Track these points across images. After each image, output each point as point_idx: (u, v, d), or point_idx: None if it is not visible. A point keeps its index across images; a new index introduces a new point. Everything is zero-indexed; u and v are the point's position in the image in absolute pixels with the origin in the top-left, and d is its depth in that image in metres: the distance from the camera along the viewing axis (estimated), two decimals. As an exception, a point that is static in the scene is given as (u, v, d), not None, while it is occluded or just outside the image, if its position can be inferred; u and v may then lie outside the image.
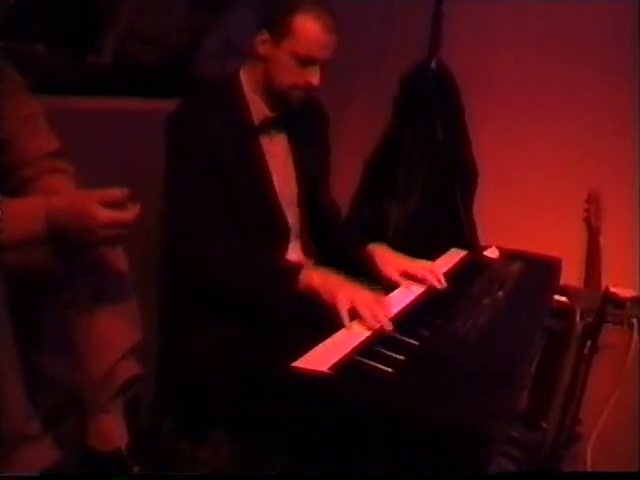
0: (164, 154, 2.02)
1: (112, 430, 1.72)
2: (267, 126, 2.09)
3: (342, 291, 1.79)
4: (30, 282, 1.62)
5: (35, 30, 3.63)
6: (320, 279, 1.86)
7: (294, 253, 2.17)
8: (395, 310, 1.80)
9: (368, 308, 1.72)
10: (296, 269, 1.90)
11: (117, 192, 1.51)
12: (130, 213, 1.52)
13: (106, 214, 1.48)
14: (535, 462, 2.21)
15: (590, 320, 2.43)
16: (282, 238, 2.12)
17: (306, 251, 2.22)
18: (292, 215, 2.15)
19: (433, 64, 3.26)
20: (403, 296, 1.94)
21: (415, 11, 3.40)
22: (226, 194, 1.98)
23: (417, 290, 1.99)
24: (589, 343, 2.29)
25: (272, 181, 2.08)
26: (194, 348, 2.00)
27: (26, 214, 1.50)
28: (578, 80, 3.22)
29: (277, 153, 2.13)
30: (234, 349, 1.87)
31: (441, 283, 2.05)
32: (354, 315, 1.72)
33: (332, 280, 1.86)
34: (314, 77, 1.99)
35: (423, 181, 3.23)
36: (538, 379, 2.48)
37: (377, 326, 1.67)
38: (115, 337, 1.69)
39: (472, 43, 3.33)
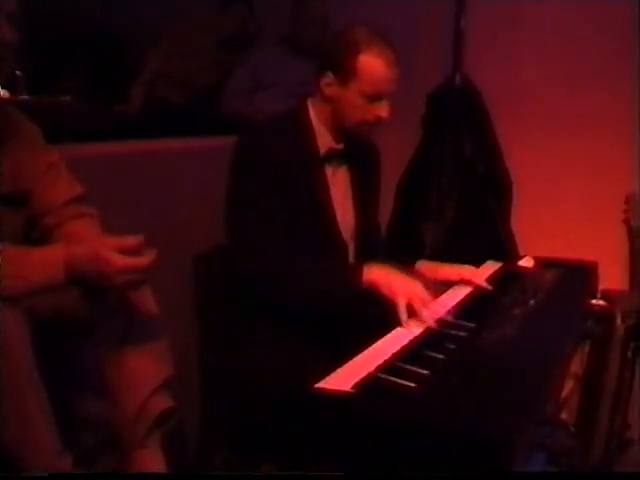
0: (229, 175, 2.09)
1: (151, 464, 1.74)
2: (332, 157, 2.15)
3: (401, 286, 1.89)
4: (64, 325, 1.68)
5: (65, 82, 3.80)
6: (382, 275, 1.94)
7: None
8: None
9: (423, 305, 1.85)
10: (359, 266, 1.98)
11: (132, 240, 1.56)
12: (145, 259, 1.56)
13: (122, 261, 1.53)
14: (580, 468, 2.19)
15: (632, 322, 2.41)
16: (340, 258, 2.17)
17: None
18: (349, 244, 2.21)
19: (457, 80, 3.30)
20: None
21: (436, 29, 3.45)
22: (289, 216, 2.04)
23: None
24: (632, 345, 2.28)
25: (333, 208, 2.14)
26: (253, 368, 2.02)
27: (46, 262, 1.55)
28: (610, 86, 3.22)
29: (339, 184, 2.18)
30: (294, 369, 1.91)
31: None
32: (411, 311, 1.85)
33: (393, 276, 1.94)
34: (384, 111, 2.04)
35: (456, 197, 3.24)
36: (586, 385, 2.46)
37: (429, 323, 1.80)
38: (144, 374, 1.72)
39: (495, 57, 3.36)
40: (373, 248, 2.30)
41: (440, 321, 1.83)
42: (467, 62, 3.33)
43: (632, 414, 2.38)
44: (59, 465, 1.53)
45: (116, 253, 1.53)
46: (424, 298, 1.89)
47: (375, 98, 2.02)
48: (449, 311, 1.91)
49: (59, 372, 1.68)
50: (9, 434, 1.48)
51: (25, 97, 2.50)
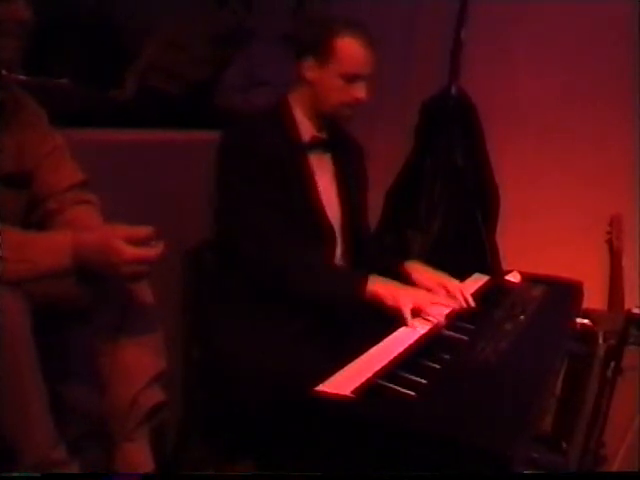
0: (219, 167, 2.14)
1: (138, 458, 1.73)
2: (315, 145, 2.20)
3: (404, 294, 1.96)
4: (56, 313, 1.66)
5: (60, 65, 3.74)
6: (383, 286, 2.00)
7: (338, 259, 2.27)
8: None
9: (430, 306, 1.95)
10: (365, 277, 2.02)
11: (143, 230, 1.56)
12: (154, 251, 1.56)
13: (131, 251, 1.52)
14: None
15: (613, 342, 2.43)
16: (329, 243, 2.22)
17: (346, 259, 2.31)
18: (336, 231, 2.25)
19: (453, 91, 3.31)
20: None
21: (435, 39, 3.45)
22: (280, 202, 2.08)
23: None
24: (612, 365, 2.30)
25: (319, 193, 2.19)
26: (244, 364, 2.04)
27: (53, 248, 1.53)
28: (599, 106, 3.25)
29: (323, 173, 2.24)
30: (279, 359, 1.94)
31: (468, 303, 2.11)
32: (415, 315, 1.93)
33: (394, 286, 2.01)
34: (361, 92, 2.12)
35: (445, 208, 3.27)
36: (563, 402, 2.48)
37: (441, 322, 1.89)
38: (138, 366, 1.71)
39: (492, 70, 3.38)
40: (360, 240, 2.35)
41: (439, 326, 1.89)
42: (463, 73, 3.33)
43: (608, 432, 2.40)
44: (54, 456, 1.51)
45: (125, 243, 1.52)
46: (430, 300, 1.98)
47: (353, 79, 2.10)
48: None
49: (48, 359, 1.64)
50: (6, 421, 1.46)
51: (23, 77, 2.44)
